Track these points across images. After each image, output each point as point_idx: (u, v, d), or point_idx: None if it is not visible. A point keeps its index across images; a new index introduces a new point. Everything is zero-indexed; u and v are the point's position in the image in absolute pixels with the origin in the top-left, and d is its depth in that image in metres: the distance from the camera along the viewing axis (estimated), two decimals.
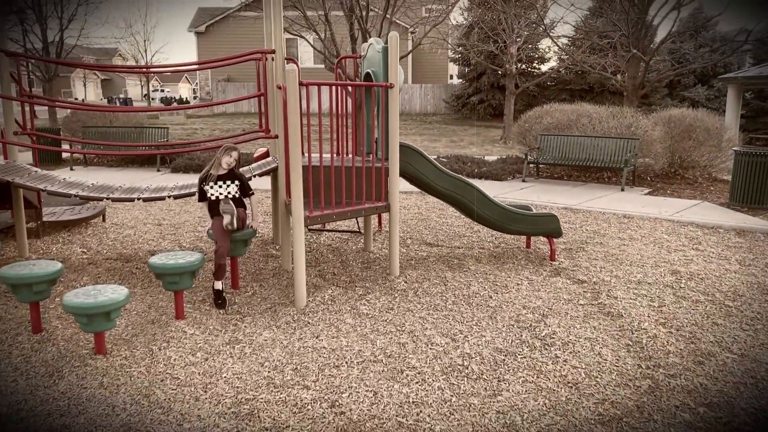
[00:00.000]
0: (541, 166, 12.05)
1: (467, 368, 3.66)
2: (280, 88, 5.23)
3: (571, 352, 3.88)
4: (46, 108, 23.02)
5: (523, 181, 11.19)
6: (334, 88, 4.96)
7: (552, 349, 3.93)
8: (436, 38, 19.35)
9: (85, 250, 6.22)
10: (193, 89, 73.18)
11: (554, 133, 12.01)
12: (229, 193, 4.87)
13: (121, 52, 53.59)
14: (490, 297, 4.87)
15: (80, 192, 5.18)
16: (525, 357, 3.81)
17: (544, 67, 28.53)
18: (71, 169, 12.18)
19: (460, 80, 29.28)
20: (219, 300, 4.66)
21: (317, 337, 4.09)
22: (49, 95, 20.91)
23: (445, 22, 20.27)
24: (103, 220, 7.42)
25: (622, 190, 10.19)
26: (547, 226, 5.92)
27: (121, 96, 56.07)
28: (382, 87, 5.02)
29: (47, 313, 4.52)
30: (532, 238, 6.48)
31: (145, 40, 58.96)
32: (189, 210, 8.22)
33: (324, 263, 5.79)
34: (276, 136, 5.40)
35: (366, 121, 5.81)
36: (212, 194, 4.87)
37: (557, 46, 16.28)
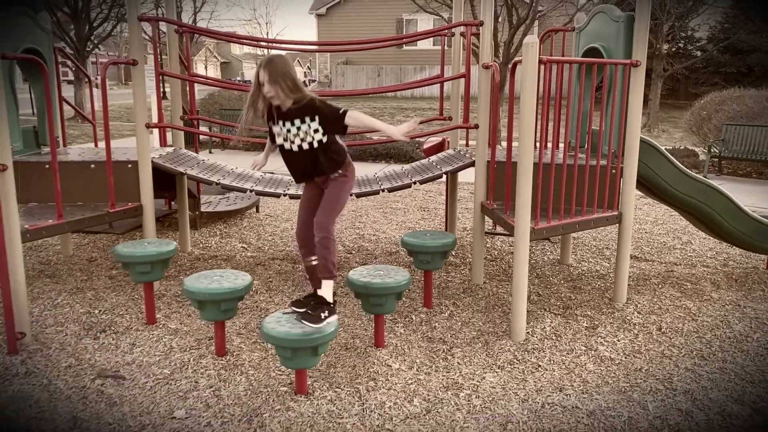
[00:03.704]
0: (722, 161, 10.34)
1: None
2: (486, 67, 4.32)
3: None
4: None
5: (705, 177, 9.59)
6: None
7: None
8: (566, 14, 17.57)
9: (245, 246, 5.69)
10: (305, 72, 74.26)
11: (741, 123, 10.27)
12: (308, 137, 3.03)
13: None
14: None
15: (254, 186, 4.59)
16: None
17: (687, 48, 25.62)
18: (210, 152, 12.06)
19: None
20: (319, 309, 2.98)
21: (561, 391, 3.16)
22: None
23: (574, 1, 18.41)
24: (257, 210, 6.93)
25: None
26: None
27: (238, 78, 57.94)
28: (626, 65, 3.96)
29: None
30: None
31: (267, 23, 60.64)
32: None
33: None
34: (476, 126, 4.50)
35: (582, 107, 4.77)
36: (281, 142, 3.13)
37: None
